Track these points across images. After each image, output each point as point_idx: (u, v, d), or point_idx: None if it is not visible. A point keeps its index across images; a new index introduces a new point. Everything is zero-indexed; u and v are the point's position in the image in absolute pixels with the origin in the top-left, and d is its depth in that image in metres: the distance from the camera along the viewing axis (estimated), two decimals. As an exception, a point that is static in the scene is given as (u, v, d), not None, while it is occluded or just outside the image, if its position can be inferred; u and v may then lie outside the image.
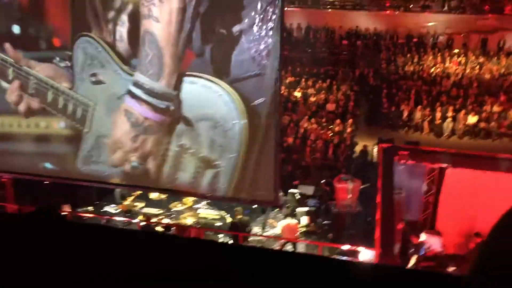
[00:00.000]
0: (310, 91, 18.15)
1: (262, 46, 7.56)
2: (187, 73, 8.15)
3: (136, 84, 8.36)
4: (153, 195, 10.80)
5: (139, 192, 10.86)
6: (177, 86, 8.18)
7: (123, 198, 11.09)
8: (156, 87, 8.21)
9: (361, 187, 12.05)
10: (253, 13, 7.55)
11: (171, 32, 7.87)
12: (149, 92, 8.28)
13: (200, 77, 8.07)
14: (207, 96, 8.06)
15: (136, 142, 8.55)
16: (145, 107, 8.36)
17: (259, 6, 7.49)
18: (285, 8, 22.69)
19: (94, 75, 8.63)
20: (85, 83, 8.78)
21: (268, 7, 7.45)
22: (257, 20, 7.55)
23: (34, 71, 8.91)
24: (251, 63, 7.67)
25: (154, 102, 8.30)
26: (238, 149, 8.13)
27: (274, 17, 7.45)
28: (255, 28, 7.58)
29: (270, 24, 7.50)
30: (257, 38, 7.59)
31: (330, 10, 23.56)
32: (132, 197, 10.92)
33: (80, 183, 9.65)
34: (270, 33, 7.49)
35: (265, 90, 7.78)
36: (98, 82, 8.64)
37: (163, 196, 10.54)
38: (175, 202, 10.78)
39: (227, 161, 8.24)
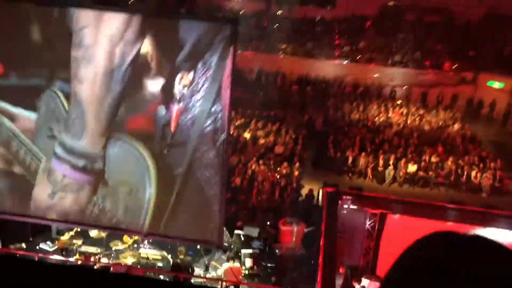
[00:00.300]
0: (260, 133, 18.40)
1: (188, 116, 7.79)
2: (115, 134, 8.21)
3: (60, 143, 8.37)
4: (93, 233, 10.37)
5: (77, 230, 10.42)
6: (104, 146, 8.22)
7: (60, 233, 10.58)
8: (77, 146, 8.22)
9: (306, 230, 12.17)
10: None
11: (95, 92, 7.89)
12: (70, 150, 8.31)
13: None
14: (128, 160, 8.22)
15: (53, 199, 8.55)
16: (65, 166, 8.38)
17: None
18: (239, 51, 23.32)
19: (50, 129, 8.49)
20: (43, 137, 8.63)
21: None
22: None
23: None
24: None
25: (73, 160, 8.29)
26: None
27: (205, 85, 7.64)
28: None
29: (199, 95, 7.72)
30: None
31: (282, 56, 24.36)
32: (70, 234, 10.44)
33: (14, 219, 9.16)
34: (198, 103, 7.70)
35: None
36: (52, 137, 8.50)
37: (103, 234, 10.15)
38: (116, 241, 10.40)
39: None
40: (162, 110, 7.94)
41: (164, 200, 8.28)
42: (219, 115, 7.77)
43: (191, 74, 7.73)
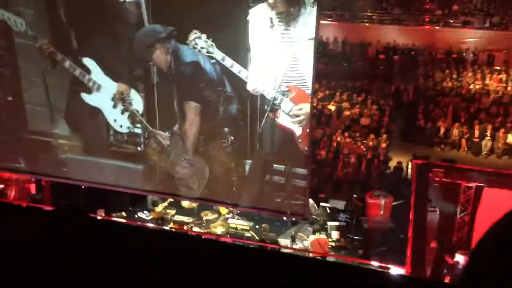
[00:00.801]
0: (344, 105, 18.03)
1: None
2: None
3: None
4: (185, 203, 10.92)
5: (170, 200, 11.02)
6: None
7: (155, 205, 11.27)
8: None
9: (394, 203, 11.85)
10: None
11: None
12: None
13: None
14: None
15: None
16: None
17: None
18: (321, 22, 22.85)
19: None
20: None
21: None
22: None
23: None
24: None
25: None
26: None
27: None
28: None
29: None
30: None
31: (367, 24, 23.42)
32: (164, 205, 11.07)
33: (114, 189, 9.89)
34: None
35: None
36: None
37: (195, 204, 10.65)
38: (206, 211, 10.87)
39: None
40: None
41: (252, 172, 8.47)
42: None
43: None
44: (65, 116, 9.30)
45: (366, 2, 24.30)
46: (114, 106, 8.88)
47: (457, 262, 9.16)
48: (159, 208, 10.92)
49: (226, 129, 8.57)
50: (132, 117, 8.88)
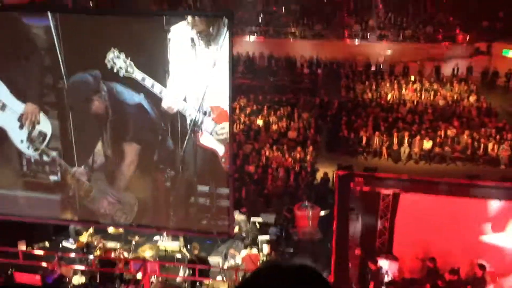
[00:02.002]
0: (272, 119, 18.43)
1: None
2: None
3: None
4: (111, 229, 10.63)
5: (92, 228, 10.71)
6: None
7: (78, 234, 10.88)
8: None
9: (321, 214, 12.23)
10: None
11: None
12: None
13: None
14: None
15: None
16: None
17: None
18: (248, 37, 23.20)
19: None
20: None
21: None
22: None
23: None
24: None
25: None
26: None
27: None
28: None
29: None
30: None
31: (291, 40, 24.20)
32: (87, 233, 10.71)
33: (35, 221, 9.46)
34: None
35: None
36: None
37: (121, 229, 10.40)
38: (134, 234, 10.65)
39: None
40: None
41: (177, 195, 8.43)
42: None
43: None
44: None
45: (289, 18, 25.13)
46: (21, 127, 8.47)
47: (380, 267, 9.60)
48: (83, 237, 10.55)
49: (162, 166, 8.46)
50: (40, 139, 8.48)
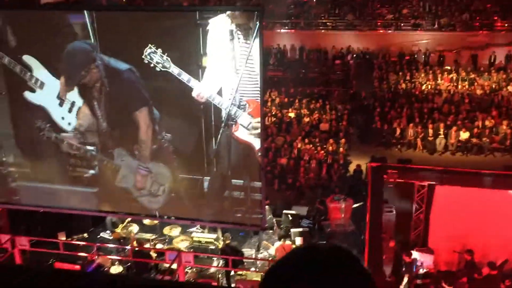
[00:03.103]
0: (304, 111, 18.36)
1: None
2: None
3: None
4: (146, 220, 10.88)
5: (128, 220, 10.97)
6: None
7: (115, 226, 11.17)
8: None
9: (354, 206, 12.14)
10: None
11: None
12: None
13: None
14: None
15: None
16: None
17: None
18: (279, 30, 23.12)
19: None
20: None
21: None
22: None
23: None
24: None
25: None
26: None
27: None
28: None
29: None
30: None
31: (323, 31, 23.96)
32: (123, 225, 10.99)
33: (73, 212, 9.79)
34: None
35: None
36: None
37: (156, 221, 10.63)
38: (168, 227, 10.86)
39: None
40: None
41: (211, 188, 8.54)
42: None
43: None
44: (16, 141, 9.13)
45: (320, 10, 24.88)
46: (60, 104, 8.70)
47: (414, 260, 9.48)
48: (119, 229, 10.82)
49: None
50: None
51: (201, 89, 8.02)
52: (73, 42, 8.24)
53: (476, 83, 19.30)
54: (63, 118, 8.83)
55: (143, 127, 8.52)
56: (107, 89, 8.39)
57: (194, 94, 8.06)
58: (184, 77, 8.00)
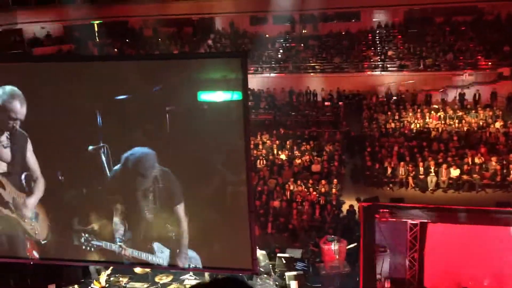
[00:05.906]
0: (295, 153, 18.45)
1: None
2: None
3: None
4: (138, 269, 10.68)
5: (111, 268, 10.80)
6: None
7: (99, 273, 10.94)
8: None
9: (348, 247, 12.03)
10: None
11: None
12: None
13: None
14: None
15: None
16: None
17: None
18: (269, 75, 23.66)
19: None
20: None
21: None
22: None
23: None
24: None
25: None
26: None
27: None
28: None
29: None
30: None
31: (311, 74, 24.47)
32: (105, 272, 10.74)
33: (63, 263, 9.63)
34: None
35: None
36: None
37: (148, 269, 10.45)
38: (161, 275, 10.67)
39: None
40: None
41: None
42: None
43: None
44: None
45: (308, 54, 25.51)
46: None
47: (411, 301, 9.33)
48: (102, 277, 10.57)
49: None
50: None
51: None
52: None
53: (463, 121, 19.59)
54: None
55: (181, 221, 8.92)
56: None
57: None
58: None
